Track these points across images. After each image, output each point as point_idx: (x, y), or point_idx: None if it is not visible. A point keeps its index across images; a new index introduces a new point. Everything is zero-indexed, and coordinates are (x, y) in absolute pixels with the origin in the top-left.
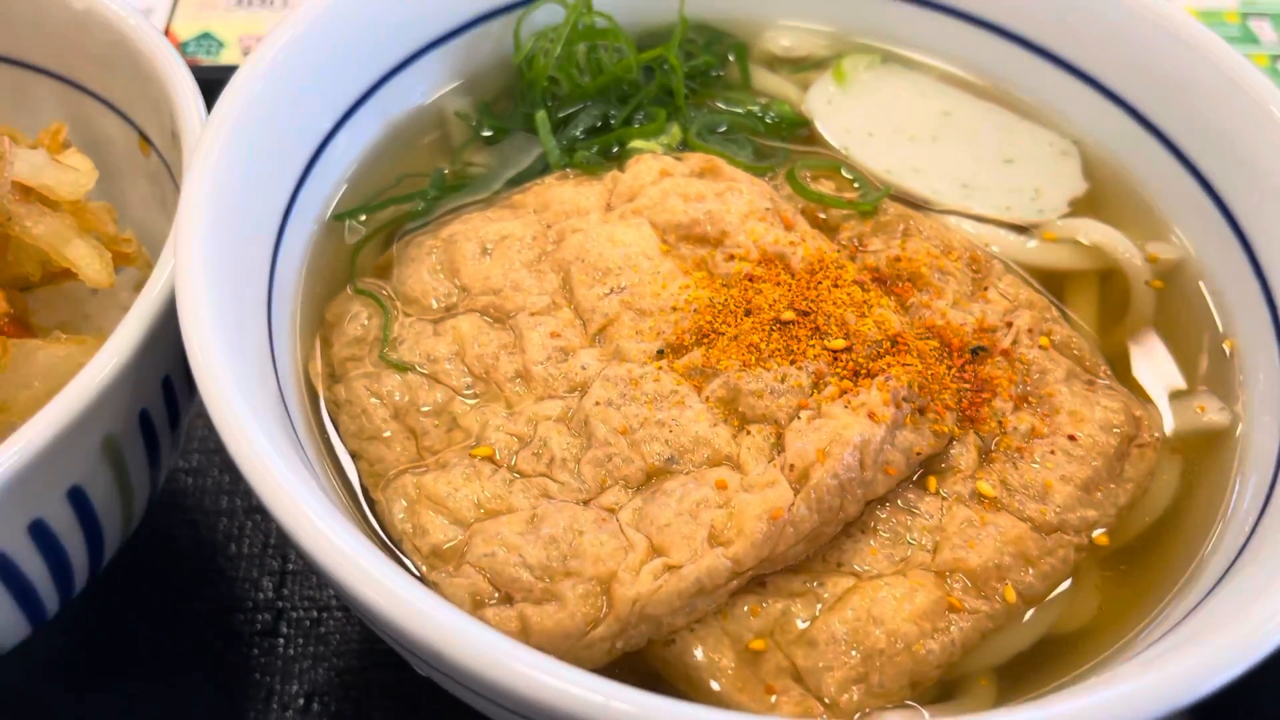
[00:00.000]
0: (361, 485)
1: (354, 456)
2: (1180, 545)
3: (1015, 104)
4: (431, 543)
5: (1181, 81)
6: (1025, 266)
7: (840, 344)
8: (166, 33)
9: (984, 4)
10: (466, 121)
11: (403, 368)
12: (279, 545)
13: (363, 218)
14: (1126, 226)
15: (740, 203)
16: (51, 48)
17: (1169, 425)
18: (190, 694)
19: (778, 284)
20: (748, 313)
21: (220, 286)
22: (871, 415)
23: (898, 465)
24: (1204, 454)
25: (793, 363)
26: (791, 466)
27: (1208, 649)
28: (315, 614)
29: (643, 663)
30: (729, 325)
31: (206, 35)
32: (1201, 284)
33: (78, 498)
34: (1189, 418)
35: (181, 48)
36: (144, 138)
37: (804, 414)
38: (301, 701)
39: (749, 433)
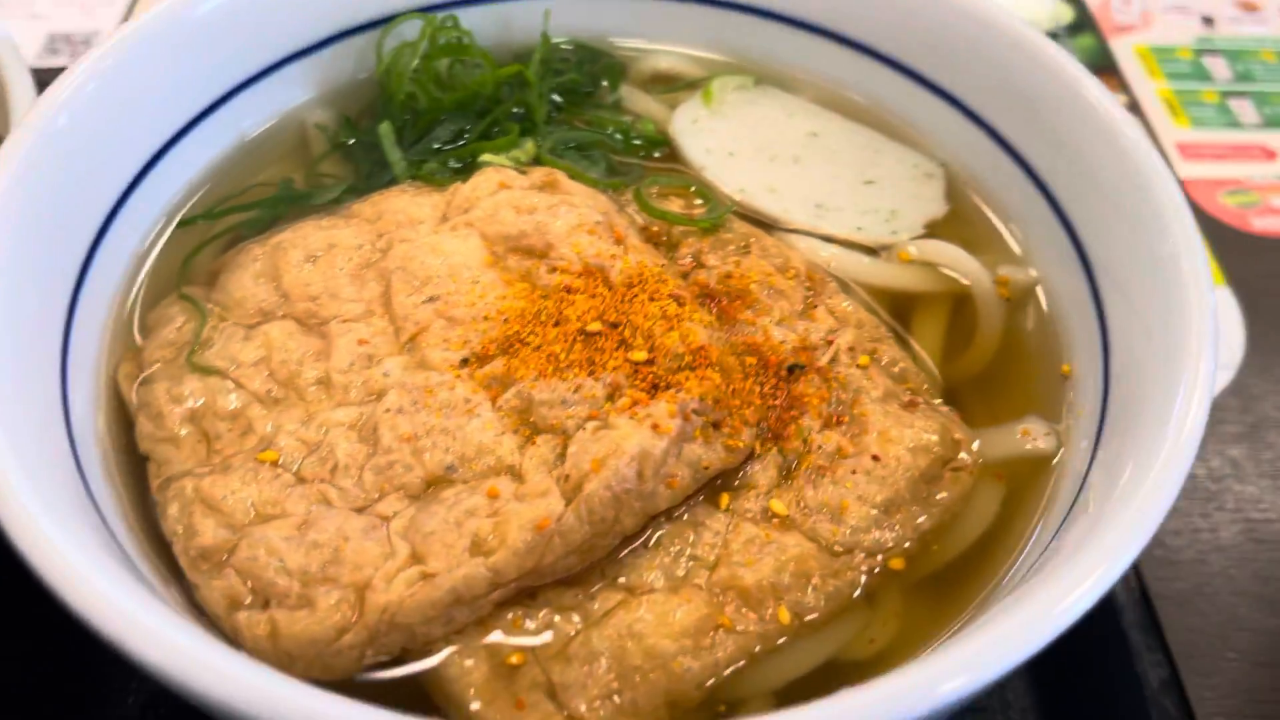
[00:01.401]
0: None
1: (146, 459)
2: (989, 573)
3: (888, 127)
4: (200, 545)
5: (1039, 105)
6: (871, 287)
7: (642, 356)
8: None
9: (855, 26)
10: (325, 133)
11: (208, 371)
12: None
13: (203, 225)
14: (983, 250)
15: (571, 216)
16: None
17: (992, 450)
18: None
19: (593, 296)
20: (557, 323)
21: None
22: (655, 427)
23: (683, 479)
24: (1027, 481)
25: (591, 374)
26: (567, 477)
27: (944, 661)
28: None
29: (411, 685)
30: (535, 335)
31: None
32: (1047, 308)
33: None
34: (1014, 443)
35: None
36: None
37: (590, 425)
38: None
39: (536, 444)
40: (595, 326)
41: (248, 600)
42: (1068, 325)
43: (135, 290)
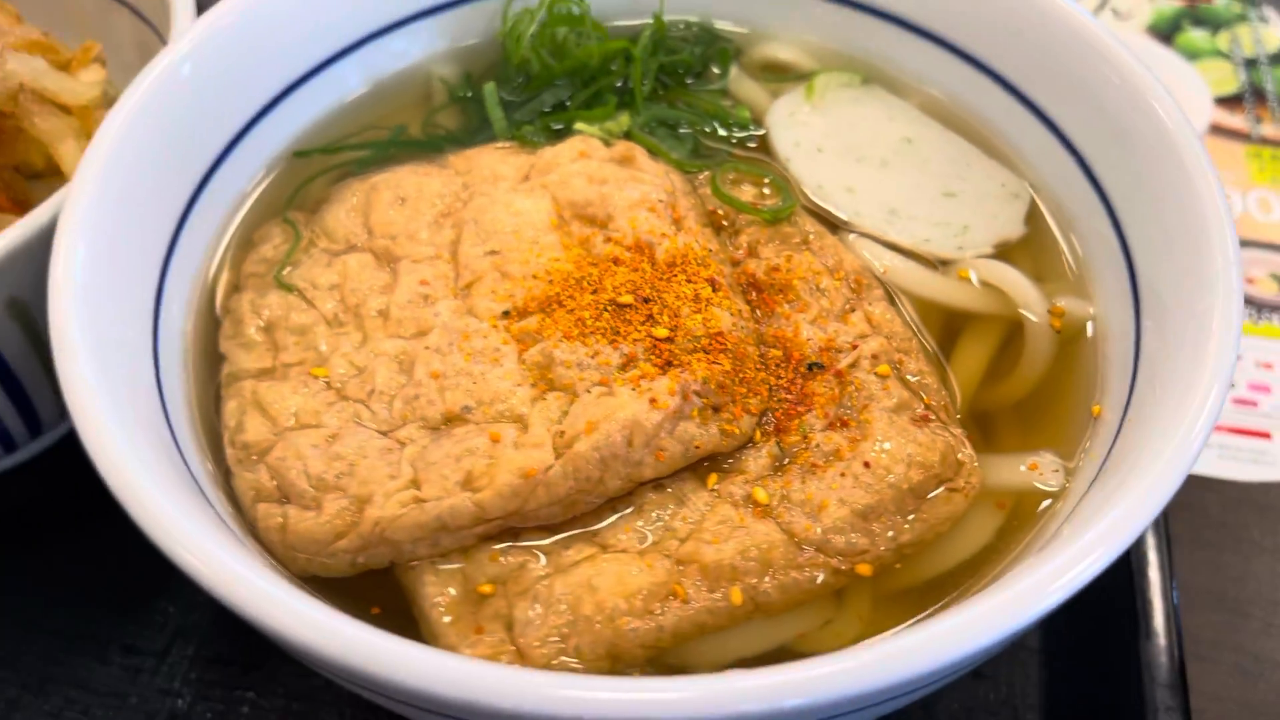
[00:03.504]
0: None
1: (224, 358)
2: (966, 593)
3: (987, 142)
4: (245, 439)
5: (1134, 150)
6: (924, 300)
7: (664, 333)
8: None
9: (969, 38)
10: (446, 86)
11: (288, 288)
12: None
13: (321, 157)
14: (1047, 278)
15: (634, 191)
16: None
17: (995, 478)
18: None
19: (635, 270)
20: (594, 291)
21: (115, 204)
22: (653, 401)
23: (671, 454)
24: (1028, 515)
25: (612, 343)
26: (562, 433)
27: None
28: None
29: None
30: (573, 299)
31: None
32: (1095, 347)
33: None
34: (1018, 475)
35: None
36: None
37: (596, 390)
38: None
39: (547, 399)
40: (627, 299)
41: (271, 494)
42: (1110, 367)
43: (244, 211)
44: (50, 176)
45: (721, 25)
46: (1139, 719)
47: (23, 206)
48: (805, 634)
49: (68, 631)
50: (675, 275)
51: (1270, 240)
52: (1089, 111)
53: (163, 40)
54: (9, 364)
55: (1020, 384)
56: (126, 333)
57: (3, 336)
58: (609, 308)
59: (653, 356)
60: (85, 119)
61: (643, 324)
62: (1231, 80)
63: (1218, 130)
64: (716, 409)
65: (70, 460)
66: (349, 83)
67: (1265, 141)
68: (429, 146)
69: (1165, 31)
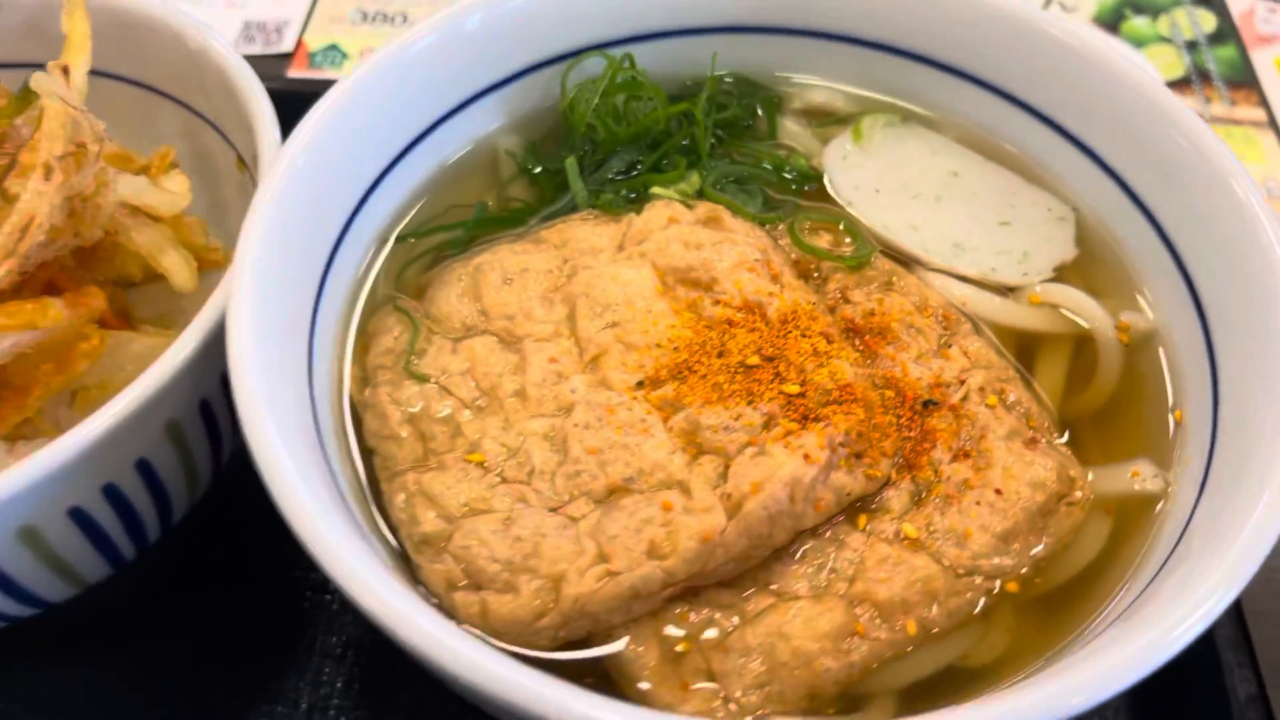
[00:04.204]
0: (372, 478)
1: (371, 452)
2: (1094, 599)
3: (1024, 169)
4: (422, 531)
5: (1171, 164)
6: (999, 327)
7: (795, 389)
8: (299, 44)
9: (998, 73)
10: (514, 159)
11: (421, 378)
12: None
13: (412, 241)
14: (1107, 294)
15: (733, 253)
16: (172, 76)
17: (1104, 487)
18: (247, 637)
19: (752, 330)
20: (720, 354)
21: (266, 301)
22: (806, 457)
23: (827, 502)
24: (1134, 518)
25: (750, 403)
26: (729, 495)
27: (1066, 680)
28: None
29: (595, 662)
30: (702, 364)
31: (333, 47)
32: (1163, 356)
33: (145, 468)
34: (1123, 483)
35: (310, 58)
36: (240, 157)
37: (749, 450)
38: (339, 651)
39: (701, 463)
40: (754, 360)
41: (462, 582)
42: (1181, 373)
43: (345, 300)
44: (144, 284)
45: (753, 76)
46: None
47: (126, 319)
48: (966, 652)
49: None
50: (790, 331)
51: None
52: (1119, 133)
53: (230, 144)
54: (163, 482)
55: (1096, 396)
56: (300, 423)
57: (160, 456)
58: (739, 370)
59: (789, 413)
60: (178, 227)
61: (772, 382)
62: (1177, 64)
63: None
64: (859, 455)
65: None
66: (422, 166)
67: (1216, 120)
68: (512, 221)
69: (1110, 21)
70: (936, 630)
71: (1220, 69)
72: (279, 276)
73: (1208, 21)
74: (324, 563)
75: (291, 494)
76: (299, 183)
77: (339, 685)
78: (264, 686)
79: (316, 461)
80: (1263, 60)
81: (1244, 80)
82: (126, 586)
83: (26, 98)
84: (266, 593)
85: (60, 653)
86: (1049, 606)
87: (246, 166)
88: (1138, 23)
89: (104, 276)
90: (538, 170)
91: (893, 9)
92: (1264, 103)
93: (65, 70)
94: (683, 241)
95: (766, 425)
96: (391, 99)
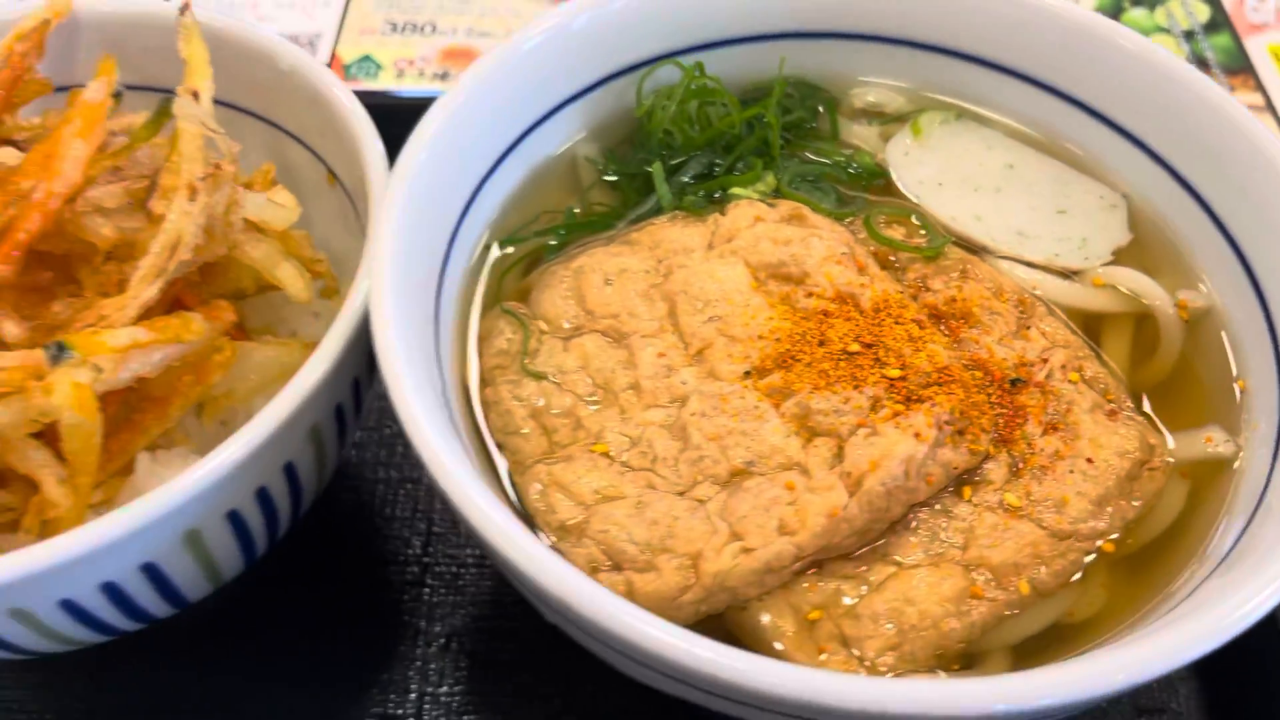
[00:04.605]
0: (505, 470)
1: (499, 447)
2: (1179, 554)
3: (1072, 159)
4: (559, 519)
5: (1219, 151)
6: (1067, 308)
7: (896, 373)
8: (333, 56)
9: (1048, 70)
10: (594, 166)
11: (539, 376)
12: (425, 510)
13: (510, 249)
14: (1162, 275)
15: (820, 247)
16: (261, 97)
17: (1181, 453)
18: (350, 630)
19: (848, 319)
20: (821, 343)
21: (401, 308)
22: (917, 435)
23: (937, 477)
24: (1208, 479)
25: (855, 388)
26: (848, 474)
27: (1168, 638)
28: (455, 569)
29: (721, 627)
30: (805, 353)
31: (366, 59)
32: (1223, 331)
33: (290, 471)
34: (1198, 447)
35: (345, 69)
36: (331, 173)
37: (861, 431)
38: (442, 640)
39: (815, 445)
40: (854, 347)
41: (606, 564)
42: (1242, 346)
43: (456, 305)
44: (254, 296)
45: (813, 80)
46: None
47: (242, 330)
48: (1069, 609)
49: None
50: (884, 319)
51: None
52: (1168, 123)
53: (319, 158)
54: (301, 483)
55: (1160, 369)
56: (441, 420)
57: (303, 459)
58: (842, 357)
59: (894, 395)
60: (286, 240)
61: (873, 367)
62: (1177, 53)
63: None
64: (961, 432)
65: None
66: (514, 176)
67: None
68: (600, 225)
69: (1110, 13)
70: (1045, 589)
71: (1218, 57)
72: (406, 286)
73: (1201, 12)
74: (507, 553)
75: (461, 490)
76: (417, 197)
77: (445, 674)
78: (374, 680)
79: (459, 452)
80: (1256, 47)
81: (1240, 67)
82: (225, 589)
83: (159, 119)
84: (363, 589)
85: (170, 650)
86: (1137, 566)
87: (339, 181)
88: (1136, 14)
89: (222, 290)
90: (616, 176)
91: (945, 12)
92: (1260, 88)
93: (195, 94)
94: (771, 238)
95: (874, 408)
96: (490, 113)
